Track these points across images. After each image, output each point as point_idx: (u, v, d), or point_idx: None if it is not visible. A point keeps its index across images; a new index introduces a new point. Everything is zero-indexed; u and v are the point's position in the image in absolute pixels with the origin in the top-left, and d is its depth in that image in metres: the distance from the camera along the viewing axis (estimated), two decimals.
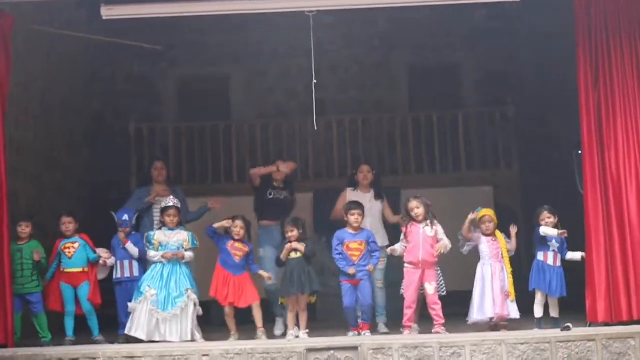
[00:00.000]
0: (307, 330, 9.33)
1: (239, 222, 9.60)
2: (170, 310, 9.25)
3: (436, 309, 9.28)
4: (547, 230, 9.33)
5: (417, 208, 9.45)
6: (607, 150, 9.26)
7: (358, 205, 9.70)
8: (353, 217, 9.55)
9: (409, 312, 9.36)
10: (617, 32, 9.41)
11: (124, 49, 12.48)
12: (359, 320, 9.46)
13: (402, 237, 9.53)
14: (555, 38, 13.11)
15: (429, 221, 9.44)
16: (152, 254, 9.55)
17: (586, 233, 9.25)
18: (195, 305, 9.38)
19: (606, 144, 9.27)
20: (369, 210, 10.10)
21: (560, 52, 12.31)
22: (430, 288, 9.32)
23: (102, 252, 9.73)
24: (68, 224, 9.72)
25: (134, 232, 9.88)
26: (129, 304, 9.38)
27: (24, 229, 9.55)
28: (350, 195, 10.42)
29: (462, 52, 15.50)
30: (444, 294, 9.62)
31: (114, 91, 15.44)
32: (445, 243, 9.38)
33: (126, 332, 9.30)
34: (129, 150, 14.17)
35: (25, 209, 10.95)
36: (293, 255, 9.41)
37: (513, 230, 9.60)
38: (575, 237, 9.36)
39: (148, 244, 9.60)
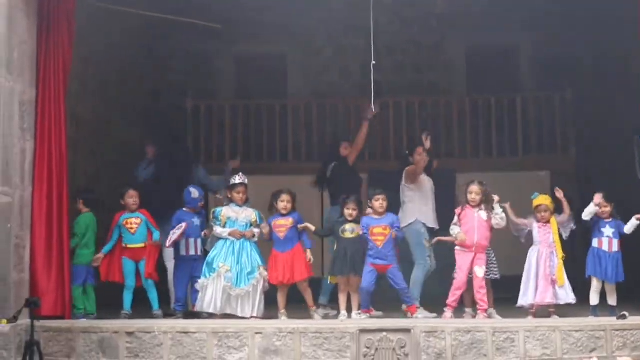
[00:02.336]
0: (360, 312, 9.34)
1: (284, 196, 9.61)
2: (244, 287, 9.32)
3: (482, 293, 9.27)
4: (587, 209, 9.29)
5: (476, 194, 9.40)
6: None
7: (382, 191, 9.68)
8: (377, 203, 9.54)
9: (457, 294, 9.40)
10: None
11: (182, 26, 12.49)
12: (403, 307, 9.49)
13: (455, 219, 9.49)
14: (616, 21, 12.88)
15: (483, 206, 9.39)
16: (219, 230, 9.60)
17: None
18: (265, 281, 9.46)
19: None
20: (428, 191, 10.12)
21: (621, 35, 12.10)
22: (480, 271, 9.32)
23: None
24: (136, 198, 9.83)
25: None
26: (200, 280, 9.44)
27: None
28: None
29: (521, 35, 15.30)
30: (497, 277, 9.58)
31: (171, 68, 15.52)
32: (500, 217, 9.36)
33: (197, 309, 9.39)
34: (185, 127, 14.24)
35: (84, 183, 11.08)
36: (348, 234, 9.41)
37: (559, 193, 9.52)
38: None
39: (215, 220, 9.64)
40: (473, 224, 9.35)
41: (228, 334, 8.43)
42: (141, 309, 9.70)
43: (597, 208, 9.31)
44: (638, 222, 9.19)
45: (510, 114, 14.18)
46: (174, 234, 9.65)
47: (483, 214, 9.39)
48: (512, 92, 14.64)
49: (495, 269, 9.63)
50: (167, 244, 9.70)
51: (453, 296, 9.38)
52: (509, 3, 14.21)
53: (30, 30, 9.16)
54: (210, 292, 9.33)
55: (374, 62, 9.43)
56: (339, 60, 15.52)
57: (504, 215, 9.39)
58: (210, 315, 9.35)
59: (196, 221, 9.87)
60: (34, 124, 9.11)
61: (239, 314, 9.27)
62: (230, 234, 9.53)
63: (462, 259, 9.39)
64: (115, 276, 9.75)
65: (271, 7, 14.32)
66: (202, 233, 9.82)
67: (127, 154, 13.78)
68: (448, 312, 9.30)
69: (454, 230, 9.47)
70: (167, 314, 9.70)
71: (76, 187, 10.16)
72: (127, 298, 9.67)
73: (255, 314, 9.30)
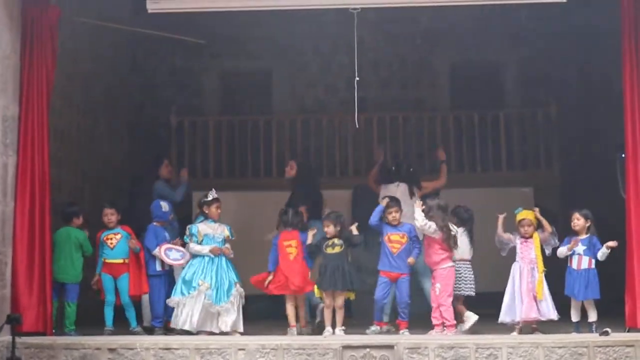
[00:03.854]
0: (344, 328, 9.33)
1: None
2: (223, 304, 9.30)
3: (441, 310, 9.33)
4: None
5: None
6: None
7: (395, 203, 9.73)
8: (391, 216, 9.62)
9: (434, 312, 9.44)
10: None
11: (167, 41, 12.55)
12: (391, 318, 9.57)
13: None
14: (600, 39, 12.98)
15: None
16: (198, 247, 9.55)
17: (627, 237, 9.15)
18: (241, 297, 9.47)
19: None
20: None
21: (605, 53, 12.19)
22: (436, 289, 9.42)
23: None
24: (110, 216, 9.81)
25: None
26: (176, 298, 9.38)
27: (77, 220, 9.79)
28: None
29: (505, 52, 15.38)
30: (472, 294, 9.64)
31: (156, 83, 15.50)
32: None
33: (177, 326, 9.30)
34: (170, 142, 14.24)
35: (67, 198, 11.05)
36: (330, 250, 9.42)
37: (536, 212, 9.55)
38: (615, 240, 9.23)
39: (192, 236, 9.61)
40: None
41: (211, 350, 8.39)
42: (126, 324, 9.63)
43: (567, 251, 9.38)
44: (608, 251, 9.19)
45: (494, 130, 14.23)
46: (182, 258, 9.67)
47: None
48: (496, 108, 14.70)
49: (470, 286, 9.65)
50: (168, 261, 9.69)
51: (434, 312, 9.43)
52: (494, 20, 14.30)
53: (14, 44, 9.16)
54: (188, 309, 9.28)
55: (357, 78, 9.45)
56: (325, 76, 15.54)
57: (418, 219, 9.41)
58: (186, 332, 9.32)
59: (167, 235, 9.86)
60: (16, 139, 9.10)
61: (218, 330, 9.24)
62: (211, 251, 9.50)
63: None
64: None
65: (256, 23, 14.33)
66: (173, 242, 9.77)
67: (111, 169, 13.78)
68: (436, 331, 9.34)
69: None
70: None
71: (60, 202, 10.12)
72: (109, 314, 9.61)
73: (237, 329, 9.28)
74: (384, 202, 9.62)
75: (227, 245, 9.62)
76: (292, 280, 9.42)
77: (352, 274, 9.41)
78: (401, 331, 9.35)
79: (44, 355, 8.48)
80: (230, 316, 9.29)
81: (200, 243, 9.54)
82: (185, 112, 14.74)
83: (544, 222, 9.51)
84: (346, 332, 9.27)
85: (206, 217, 9.72)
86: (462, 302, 9.64)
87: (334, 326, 9.35)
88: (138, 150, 14.79)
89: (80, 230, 9.74)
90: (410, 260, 9.51)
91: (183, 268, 9.62)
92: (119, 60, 14.34)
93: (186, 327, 9.25)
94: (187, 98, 15.31)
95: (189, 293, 9.32)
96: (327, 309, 9.44)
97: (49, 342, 8.63)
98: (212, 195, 9.76)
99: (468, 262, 9.71)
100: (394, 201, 9.79)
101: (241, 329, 9.34)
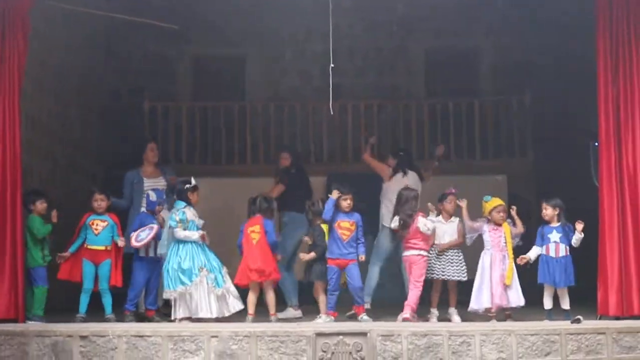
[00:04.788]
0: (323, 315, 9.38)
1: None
2: (223, 286, 9.30)
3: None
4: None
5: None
6: (624, 143, 9.20)
7: (349, 190, 9.70)
8: (345, 202, 9.57)
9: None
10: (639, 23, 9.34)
11: (141, 27, 12.42)
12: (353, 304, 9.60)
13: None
14: (576, 28, 13.01)
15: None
16: (187, 233, 9.45)
17: (600, 225, 9.22)
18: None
19: (623, 137, 9.22)
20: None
21: (580, 42, 12.22)
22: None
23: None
24: (100, 201, 9.68)
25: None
26: (177, 290, 9.30)
27: (43, 204, 9.58)
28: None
29: (481, 39, 15.43)
30: (464, 279, 9.67)
31: (129, 69, 15.40)
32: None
33: (198, 315, 9.21)
34: (143, 128, 14.16)
35: (38, 184, 10.96)
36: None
37: (513, 211, 9.58)
38: (589, 229, 9.28)
39: (181, 223, 9.51)
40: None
41: (183, 337, 8.33)
42: (101, 312, 9.55)
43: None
44: (582, 236, 9.23)
45: (469, 118, 14.26)
46: (147, 236, 9.58)
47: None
48: (471, 96, 14.72)
49: (462, 271, 9.67)
50: (137, 244, 9.60)
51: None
52: (470, 8, 14.30)
53: None
54: (197, 297, 9.22)
55: (332, 65, 9.43)
56: (299, 64, 15.50)
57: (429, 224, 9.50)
58: (167, 320, 9.26)
59: (155, 224, 9.82)
60: None
61: (229, 313, 9.28)
62: (200, 237, 9.47)
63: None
64: (77, 277, 9.58)
65: (231, 10, 14.28)
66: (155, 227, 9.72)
67: (83, 155, 13.68)
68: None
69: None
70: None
71: (31, 188, 10.01)
72: (84, 301, 9.48)
73: (232, 311, 9.32)
74: (335, 195, 9.56)
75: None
76: (251, 265, 9.36)
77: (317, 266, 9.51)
78: (359, 316, 9.36)
79: (15, 342, 8.39)
80: (233, 296, 9.31)
81: (185, 229, 9.52)
82: (159, 97, 14.65)
83: (518, 221, 9.55)
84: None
85: (188, 203, 9.68)
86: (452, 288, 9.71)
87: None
88: (110, 136, 14.71)
89: (34, 216, 9.57)
90: (361, 257, 9.50)
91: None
92: (92, 45, 14.23)
93: (210, 315, 9.19)
94: (160, 84, 15.22)
95: (191, 281, 9.26)
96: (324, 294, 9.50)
97: (21, 329, 8.55)
98: (192, 182, 9.73)
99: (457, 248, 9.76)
100: (347, 188, 9.76)
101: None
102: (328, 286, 9.46)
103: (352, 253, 9.46)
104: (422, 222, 9.44)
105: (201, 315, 9.19)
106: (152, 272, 9.76)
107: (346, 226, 9.48)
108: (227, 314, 9.27)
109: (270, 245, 9.48)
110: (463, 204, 9.66)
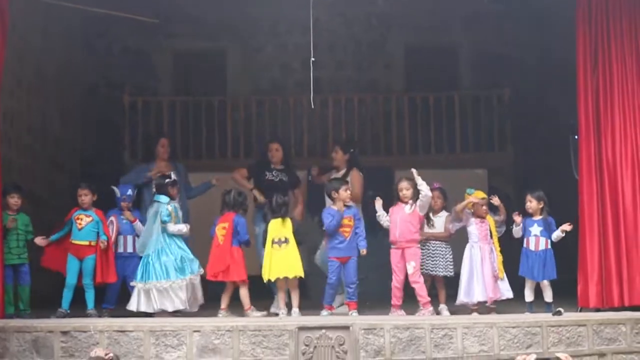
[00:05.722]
0: (297, 309, 9.30)
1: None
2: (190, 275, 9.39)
3: (416, 288, 9.28)
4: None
5: (406, 189, 9.42)
6: (603, 137, 9.28)
7: (345, 182, 9.71)
8: (346, 193, 9.53)
9: (396, 293, 9.37)
10: (619, 18, 9.42)
11: (121, 21, 12.37)
12: (344, 300, 9.55)
13: (387, 214, 9.54)
14: (555, 22, 13.06)
15: (411, 201, 9.42)
16: (179, 226, 9.48)
17: (580, 218, 9.28)
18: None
19: (603, 131, 9.29)
20: None
21: (560, 36, 12.26)
22: (409, 267, 9.29)
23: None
24: (84, 196, 9.60)
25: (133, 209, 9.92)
26: (178, 281, 9.30)
27: (17, 200, 9.47)
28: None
29: (461, 33, 15.43)
30: (451, 274, 9.64)
31: (109, 63, 15.30)
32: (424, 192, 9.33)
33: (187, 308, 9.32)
34: (123, 124, 14.10)
35: (18, 179, 10.88)
36: None
37: (495, 200, 9.59)
38: (568, 221, 9.33)
39: (169, 217, 9.47)
40: (396, 220, 9.38)
41: (165, 332, 8.31)
42: (83, 307, 9.48)
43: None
44: (563, 234, 9.27)
45: (449, 112, 14.28)
46: (111, 230, 9.61)
47: (407, 208, 9.39)
48: (451, 90, 14.75)
49: (450, 266, 9.65)
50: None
51: (393, 296, 9.39)
52: (450, 1, 14.31)
53: None
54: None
55: (313, 59, 9.42)
56: (280, 57, 15.47)
57: (425, 185, 9.31)
58: (148, 315, 9.25)
59: (137, 223, 9.78)
60: None
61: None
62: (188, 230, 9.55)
63: (393, 257, 9.40)
64: (61, 267, 9.51)
65: (211, 3, 14.23)
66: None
67: (63, 149, 13.61)
68: (393, 312, 9.33)
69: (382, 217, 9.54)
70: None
71: (10, 183, 9.93)
72: (67, 296, 9.39)
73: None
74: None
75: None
76: (210, 266, 9.36)
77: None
78: (350, 312, 9.34)
79: None
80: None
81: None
82: (139, 92, 14.59)
83: (502, 209, 9.57)
84: (302, 313, 9.24)
85: (171, 197, 9.64)
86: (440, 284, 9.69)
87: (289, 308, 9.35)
88: (90, 130, 14.64)
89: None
90: (363, 251, 9.44)
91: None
92: (71, 39, 14.15)
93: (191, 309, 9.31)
94: (140, 78, 15.14)
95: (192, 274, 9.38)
96: (280, 292, 9.39)
97: (0, 325, 8.50)
98: (171, 177, 9.75)
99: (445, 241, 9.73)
100: (340, 182, 9.76)
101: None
102: (327, 280, 9.43)
103: (353, 248, 9.44)
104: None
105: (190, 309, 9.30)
106: (126, 268, 9.70)
107: (345, 222, 9.42)
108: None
109: (241, 244, 9.42)
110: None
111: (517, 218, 9.39)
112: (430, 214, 9.67)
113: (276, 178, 10.56)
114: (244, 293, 9.38)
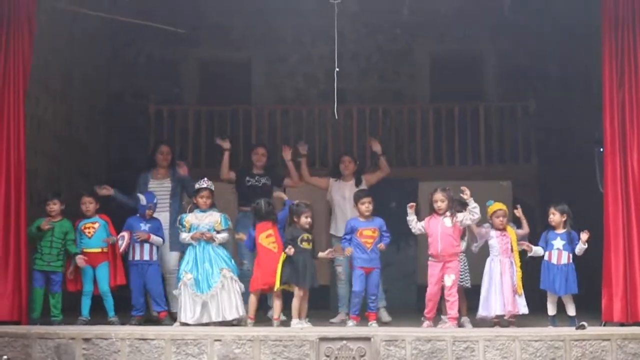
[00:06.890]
0: (307, 319, 9.25)
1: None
2: (208, 292, 9.24)
3: (450, 301, 9.23)
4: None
5: (441, 201, 9.36)
6: (629, 150, 9.17)
7: (367, 194, 9.69)
8: (364, 207, 9.55)
9: (429, 304, 9.33)
10: None
11: (147, 30, 12.42)
12: (364, 311, 9.55)
13: (421, 225, 9.46)
14: (580, 34, 13.00)
15: (448, 213, 9.34)
16: (183, 236, 9.53)
17: (605, 232, 9.18)
18: (234, 282, 9.37)
19: (629, 143, 9.19)
20: (349, 199, 10.26)
21: (585, 48, 12.21)
22: (448, 280, 9.24)
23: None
24: (88, 204, 9.70)
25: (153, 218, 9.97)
26: (174, 292, 9.47)
27: (52, 206, 9.53)
28: (333, 184, 10.76)
29: (486, 44, 15.39)
30: (468, 285, 9.62)
31: (134, 72, 15.39)
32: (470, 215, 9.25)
33: (181, 320, 9.27)
34: (148, 131, 14.16)
35: (44, 187, 10.95)
36: (306, 245, 9.27)
37: (518, 212, 9.54)
38: (593, 235, 9.26)
39: (180, 227, 9.55)
40: (436, 233, 9.32)
41: (187, 341, 8.33)
42: (102, 314, 9.54)
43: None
44: (585, 246, 9.19)
45: (473, 123, 14.23)
46: (121, 246, 9.63)
47: (447, 221, 9.32)
48: (476, 101, 14.70)
49: (467, 278, 9.64)
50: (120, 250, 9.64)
51: (427, 307, 9.34)
52: (475, 13, 14.29)
53: None
54: (182, 302, 9.31)
55: (337, 69, 9.43)
56: (304, 67, 15.49)
57: (476, 206, 9.23)
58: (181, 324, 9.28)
59: (144, 227, 9.77)
60: None
61: (213, 320, 9.22)
62: (192, 238, 9.45)
63: (431, 269, 9.33)
64: (73, 285, 9.61)
65: (236, 13, 14.27)
66: (136, 234, 9.67)
67: (88, 158, 13.68)
68: (425, 323, 9.28)
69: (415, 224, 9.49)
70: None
71: (35, 191, 10.01)
72: (85, 304, 9.50)
73: (236, 316, 9.24)
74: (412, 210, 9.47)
75: (219, 235, 9.51)
76: (264, 275, 9.31)
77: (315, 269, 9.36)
78: (370, 323, 9.33)
79: (18, 344, 8.39)
80: (222, 303, 9.24)
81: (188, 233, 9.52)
82: (164, 101, 14.66)
83: (524, 222, 9.51)
84: (322, 324, 9.23)
85: (197, 206, 9.66)
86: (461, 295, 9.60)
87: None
88: (116, 139, 14.71)
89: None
90: (381, 246, 9.48)
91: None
92: (97, 48, 14.24)
93: (187, 320, 9.22)
94: (166, 87, 15.22)
95: (178, 286, 9.38)
96: (297, 300, 9.20)
97: (23, 331, 8.54)
98: (198, 184, 9.72)
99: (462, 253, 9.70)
100: (364, 192, 9.76)
101: (241, 314, 9.30)
102: (352, 289, 9.49)
103: (375, 260, 9.48)
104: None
105: (182, 319, 9.26)
106: (144, 276, 9.74)
107: (368, 234, 9.48)
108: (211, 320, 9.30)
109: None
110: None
111: (585, 235, 9.21)
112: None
113: (259, 183, 10.70)
114: (278, 303, 9.36)
